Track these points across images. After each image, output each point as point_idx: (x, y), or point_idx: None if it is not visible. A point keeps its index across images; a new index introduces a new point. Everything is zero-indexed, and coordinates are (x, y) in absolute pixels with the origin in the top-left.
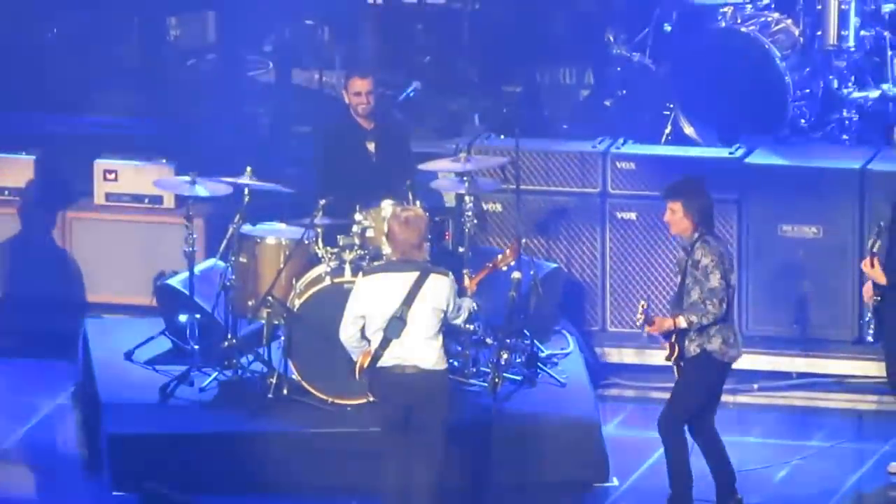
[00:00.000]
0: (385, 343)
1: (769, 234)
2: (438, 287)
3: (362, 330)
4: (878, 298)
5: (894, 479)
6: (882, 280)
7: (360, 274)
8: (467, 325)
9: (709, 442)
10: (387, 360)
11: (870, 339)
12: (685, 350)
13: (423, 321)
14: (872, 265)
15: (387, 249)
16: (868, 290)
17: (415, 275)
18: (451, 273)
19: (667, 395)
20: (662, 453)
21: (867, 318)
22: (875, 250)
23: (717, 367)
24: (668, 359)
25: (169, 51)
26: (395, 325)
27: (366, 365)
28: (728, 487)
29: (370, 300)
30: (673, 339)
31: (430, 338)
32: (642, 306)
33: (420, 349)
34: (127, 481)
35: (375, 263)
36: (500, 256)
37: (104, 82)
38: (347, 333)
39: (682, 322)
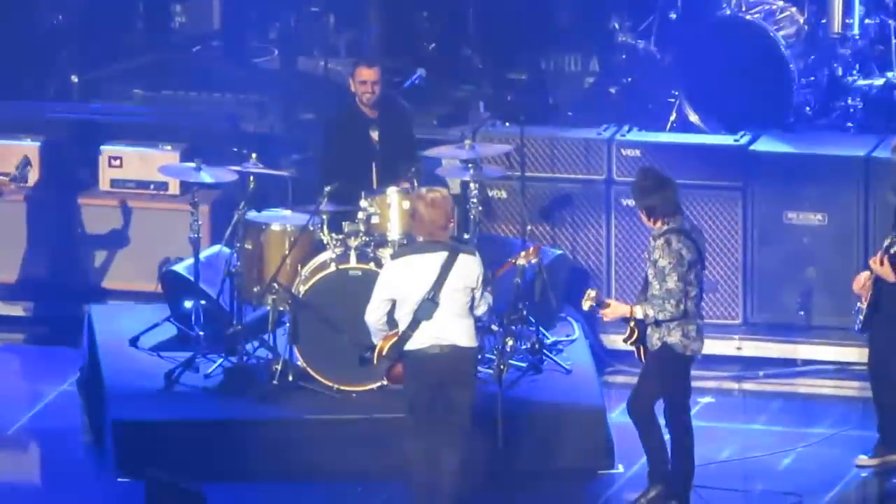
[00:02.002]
0: (415, 325)
1: (774, 222)
2: (469, 266)
3: (388, 312)
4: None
5: (862, 473)
6: (891, 278)
7: (388, 257)
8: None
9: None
10: (419, 342)
11: (857, 327)
12: (647, 338)
13: (455, 300)
14: (882, 263)
15: (393, 235)
16: (864, 282)
17: (444, 255)
18: (477, 252)
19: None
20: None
21: (858, 308)
22: (893, 251)
23: (678, 359)
24: (625, 340)
25: (174, 37)
26: (428, 306)
27: (386, 348)
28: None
29: (400, 283)
30: (633, 324)
31: (463, 316)
32: (591, 294)
33: (453, 328)
34: (132, 467)
35: (401, 246)
36: (522, 253)
37: (109, 69)
38: (375, 316)
39: (637, 312)
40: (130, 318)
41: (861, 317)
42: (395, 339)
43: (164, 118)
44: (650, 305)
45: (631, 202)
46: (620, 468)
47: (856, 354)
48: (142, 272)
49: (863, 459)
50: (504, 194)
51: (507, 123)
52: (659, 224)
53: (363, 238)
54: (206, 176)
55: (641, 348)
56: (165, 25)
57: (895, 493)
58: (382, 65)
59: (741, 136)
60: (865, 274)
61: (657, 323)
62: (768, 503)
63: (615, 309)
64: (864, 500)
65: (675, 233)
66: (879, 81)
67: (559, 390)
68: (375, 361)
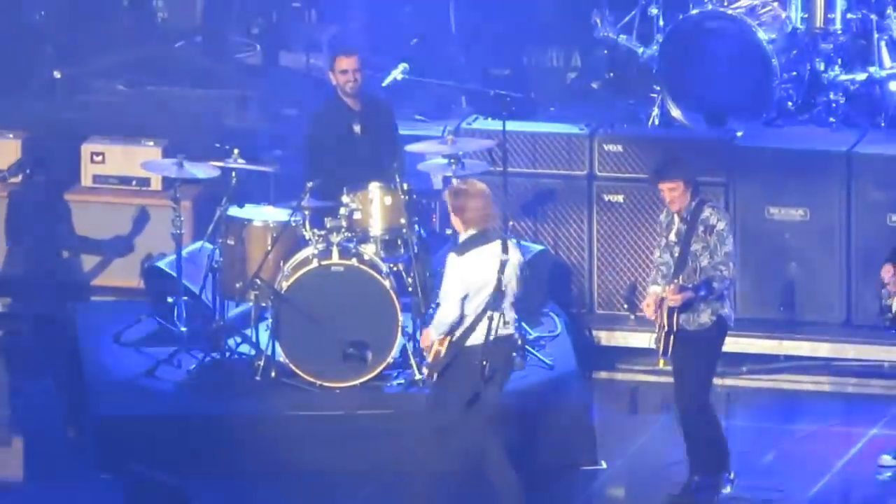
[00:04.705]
0: (482, 317)
1: (756, 217)
2: (517, 252)
3: None
4: None
5: (884, 473)
6: None
7: (454, 254)
8: None
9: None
10: (481, 336)
11: (886, 323)
12: (688, 320)
13: (512, 288)
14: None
15: (375, 231)
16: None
17: (499, 244)
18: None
19: (655, 378)
20: (650, 436)
21: (885, 303)
22: None
23: (726, 331)
24: (668, 332)
25: (157, 33)
26: (498, 297)
27: (444, 350)
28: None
29: (474, 278)
30: (665, 324)
31: (514, 302)
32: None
33: (509, 315)
34: (114, 463)
35: (462, 242)
36: None
37: (91, 64)
38: (454, 315)
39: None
40: (113, 314)
41: (890, 314)
42: (450, 338)
43: (146, 114)
44: (711, 279)
45: (613, 197)
46: (603, 464)
47: (838, 350)
48: (124, 268)
49: (886, 459)
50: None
51: (489, 119)
52: (686, 200)
53: (345, 234)
54: (189, 171)
55: (671, 339)
56: (148, 21)
57: (878, 491)
58: (360, 53)
59: (723, 132)
60: (891, 265)
61: (718, 297)
62: (751, 499)
63: (681, 295)
64: (847, 496)
65: (708, 201)
66: (862, 76)
67: (542, 386)
68: (432, 360)
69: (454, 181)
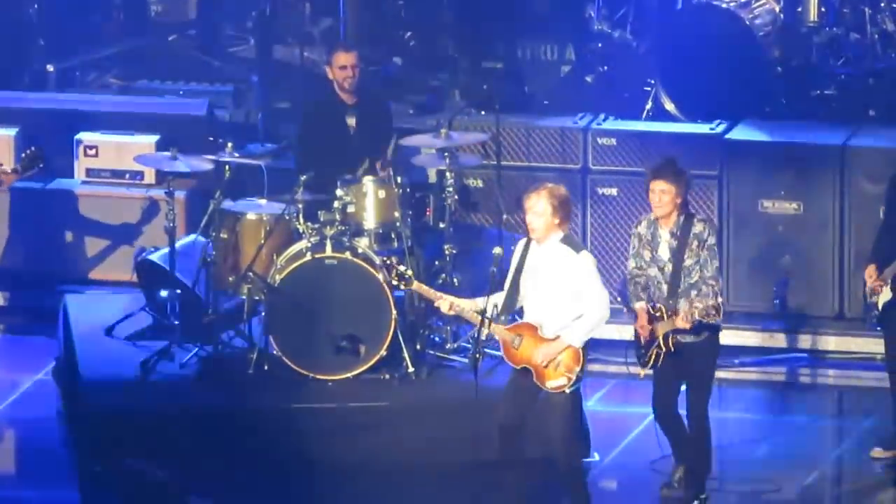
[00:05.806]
0: None
1: (750, 210)
2: None
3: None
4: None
5: (877, 466)
6: None
7: (587, 252)
8: None
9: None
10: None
11: (873, 321)
12: (680, 336)
13: None
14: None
15: (369, 225)
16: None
17: None
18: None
19: (648, 370)
20: (643, 429)
21: (870, 301)
22: None
23: (718, 338)
24: (659, 351)
25: (150, 26)
26: None
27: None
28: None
29: None
30: (661, 344)
31: None
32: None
33: None
34: (107, 457)
35: (573, 240)
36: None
37: (85, 58)
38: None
39: (697, 313)
40: (106, 307)
41: (876, 311)
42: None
43: (139, 107)
44: (703, 296)
45: (607, 191)
46: (596, 456)
47: (830, 343)
48: (117, 261)
49: (878, 452)
50: (480, 183)
51: (483, 112)
52: (675, 214)
53: (339, 227)
54: (182, 165)
55: (661, 356)
56: (142, 14)
57: (870, 483)
58: (359, 49)
59: (717, 125)
60: (874, 266)
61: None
62: (744, 492)
63: (671, 323)
64: (839, 490)
65: (696, 215)
66: (855, 70)
67: None
68: (580, 366)
69: (550, 184)
